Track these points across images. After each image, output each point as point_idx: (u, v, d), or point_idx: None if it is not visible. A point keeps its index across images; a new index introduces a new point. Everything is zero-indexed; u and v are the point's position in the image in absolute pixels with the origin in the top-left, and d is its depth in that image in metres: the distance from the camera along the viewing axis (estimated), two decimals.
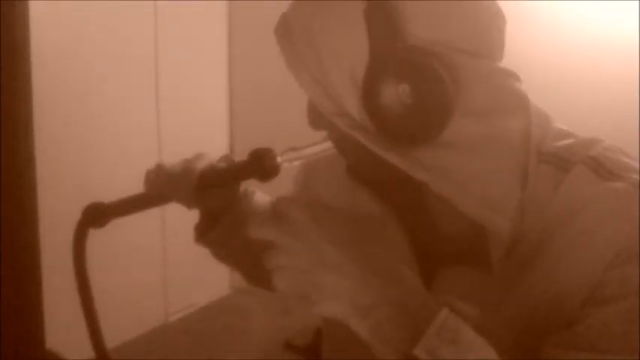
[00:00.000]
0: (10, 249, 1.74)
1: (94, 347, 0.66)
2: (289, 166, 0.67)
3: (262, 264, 0.86)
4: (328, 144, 0.63)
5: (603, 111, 2.40)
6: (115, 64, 2.66)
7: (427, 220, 0.62)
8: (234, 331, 2.92)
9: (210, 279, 3.06)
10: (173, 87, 2.96)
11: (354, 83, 0.53)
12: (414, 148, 0.53)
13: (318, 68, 0.54)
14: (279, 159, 0.66)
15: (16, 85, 1.76)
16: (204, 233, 0.80)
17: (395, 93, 0.51)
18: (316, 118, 0.59)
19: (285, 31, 0.56)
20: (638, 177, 0.54)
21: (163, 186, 0.73)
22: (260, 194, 0.83)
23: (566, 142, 0.58)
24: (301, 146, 0.66)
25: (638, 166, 0.56)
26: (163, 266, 2.99)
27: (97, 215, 0.69)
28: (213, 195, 0.76)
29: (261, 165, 0.66)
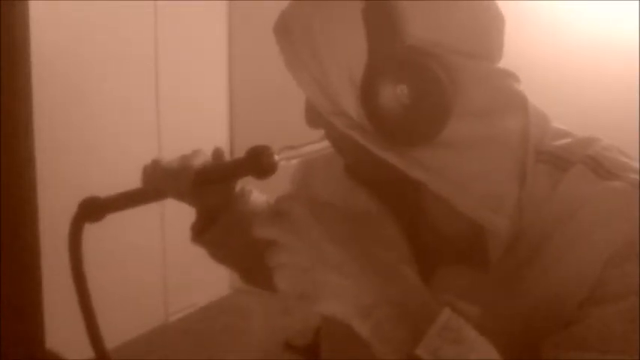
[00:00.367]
0: (10, 249, 1.74)
1: (92, 342, 0.65)
2: (287, 164, 0.67)
3: (260, 264, 0.86)
4: (326, 143, 0.63)
5: (603, 111, 2.40)
6: (115, 64, 2.66)
7: (425, 220, 0.62)
8: (234, 331, 2.92)
9: (210, 279, 3.06)
10: (173, 87, 2.96)
11: (352, 83, 0.53)
12: (411, 148, 0.53)
13: (316, 67, 0.54)
14: (276, 157, 0.66)
15: (16, 85, 1.76)
16: (201, 233, 0.80)
17: (393, 93, 0.51)
18: (314, 116, 0.59)
19: (284, 29, 0.57)
20: (636, 176, 0.54)
21: (160, 181, 0.73)
22: (257, 193, 0.83)
23: (564, 141, 0.58)
24: (299, 144, 0.66)
25: (635, 165, 0.56)
26: (163, 266, 2.99)
27: (92, 210, 0.69)
28: (210, 192, 0.76)
29: (259, 162, 0.66)
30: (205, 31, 3.21)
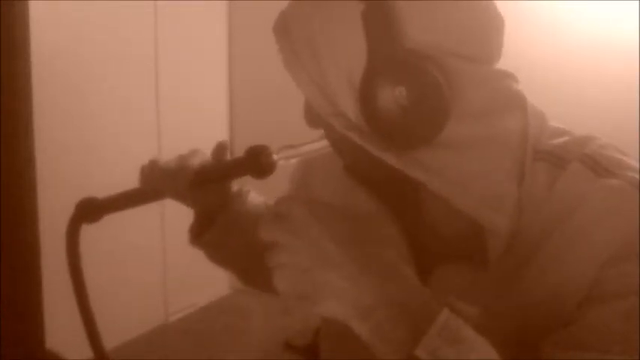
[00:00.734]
0: (10, 249, 1.74)
1: (91, 343, 0.65)
2: (285, 164, 0.67)
3: (258, 264, 0.86)
4: (325, 142, 0.63)
5: (603, 111, 2.40)
6: (115, 64, 2.66)
7: (423, 219, 0.62)
8: (234, 331, 2.92)
9: (210, 279, 3.05)
10: (173, 87, 2.96)
11: (350, 84, 0.53)
12: (410, 150, 0.53)
13: (315, 68, 0.54)
14: (275, 156, 0.66)
15: (16, 85, 1.76)
16: (199, 234, 0.80)
17: (391, 96, 0.51)
18: (313, 117, 0.59)
19: (284, 29, 0.57)
20: (634, 174, 0.54)
21: (158, 182, 0.73)
22: (254, 194, 0.83)
23: (561, 139, 0.59)
24: (298, 144, 0.66)
25: (633, 163, 0.56)
26: (163, 266, 2.99)
27: (90, 210, 0.69)
28: (208, 192, 0.76)
29: (257, 162, 0.66)
30: (205, 31, 3.21)
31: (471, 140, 0.53)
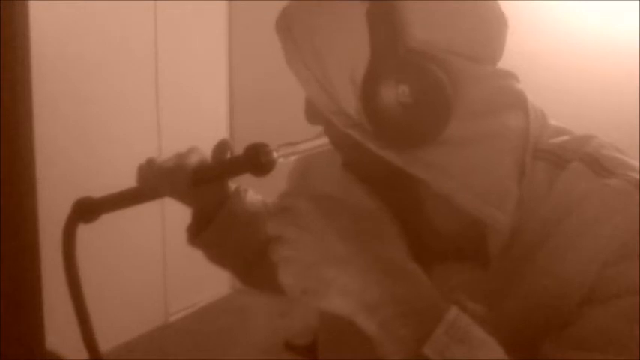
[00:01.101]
0: (10, 249, 1.74)
1: (86, 344, 0.65)
2: (285, 162, 0.67)
3: (256, 263, 0.86)
4: (325, 139, 0.63)
5: (603, 111, 2.40)
6: (115, 64, 2.66)
7: (422, 218, 0.62)
8: (234, 331, 2.92)
9: (210, 279, 3.06)
10: (173, 87, 2.96)
11: (353, 82, 0.53)
12: (412, 148, 0.53)
13: (317, 65, 0.54)
14: (274, 154, 0.66)
15: (16, 85, 1.76)
16: (197, 234, 0.80)
17: (394, 94, 0.50)
18: (314, 113, 0.59)
19: (286, 26, 0.56)
20: (633, 174, 0.54)
21: (156, 180, 0.72)
22: (252, 193, 0.83)
23: (561, 139, 0.59)
24: (297, 141, 0.66)
25: (632, 163, 0.56)
26: (163, 266, 2.99)
27: (86, 210, 0.68)
28: (206, 191, 0.76)
29: (257, 160, 0.66)
30: (205, 31, 3.21)
31: (472, 138, 0.53)
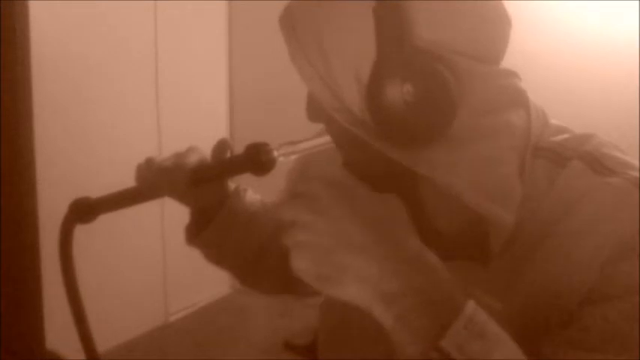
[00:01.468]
0: (10, 249, 1.74)
1: (83, 345, 0.65)
2: (285, 161, 0.66)
3: (256, 263, 0.85)
4: (325, 138, 0.62)
5: (603, 111, 2.40)
6: (115, 64, 2.66)
7: (423, 217, 0.62)
8: (234, 331, 2.92)
9: (210, 279, 3.06)
10: (173, 87, 2.96)
11: (357, 80, 0.52)
12: (416, 146, 0.52)
13: (322, 62, 0.54)
14: (275, 153, 0.66)
15: (16, 85, 1.76)
16: (196, 234, 0.79)
17: (399, 92, 0.50)
18: (316, 111, 0.59)
19: (291, 23, 0.56)
20: (633, 173, 0.54)
21: (155, 179, 0.72)
22: (251, 192, 0.83)
23: (562, 137, 0.59)
24: (298, 140, 0.65)
25: (632, 161, 0.56)
26: (163, 266, 2.99)
27: (84, 211, 0.68)
28: (205, 190, 0.75)
29: (257, 159, 0.65)
30: (205, 31, 3.21)
31: (477, 135, 0.53)
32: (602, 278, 0.50)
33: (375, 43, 0.51)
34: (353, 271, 0.46)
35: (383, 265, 0.46)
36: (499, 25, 0.55)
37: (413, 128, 0.51)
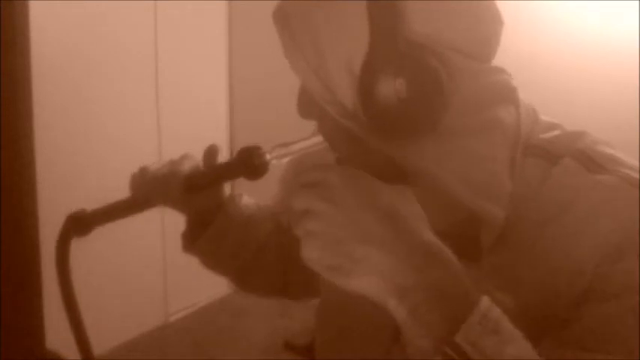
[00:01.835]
0: (10, 249, 1.74)
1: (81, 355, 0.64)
2: (278, 163, 0.66)
3: (254, 269, 0.85)
4: (318, 138, 0.62)
5: (603, 111, 2.40)
6: (115, 64, 2.66)
7: None
8: (235, 331, 2.92)
9: (210, 279, 3.03)
10: (173, 87, 2.96)
11: (350, 73, 0.52)
12: (407, 140, 0.52)
13: (314, 55, 0.53)
14: (268, 156, 0.65)
15: (16, 85, 1.76)
16: (193, 241, 0.79)
17: (392, 85, 0.50)
18: (307, 107, 0.58)
19: (284, 16, 0.56)
20: (626, 170, 0.54)
21: (149, 189, 0.71)
22: (247, 197, 0.82)
23: (553, 134, 0.59)
24: (290, 142, 0.65)
25: (624, 159, 0.56)
26: (163, 266, 2.99)
27: (80, 224, 0.67)
28: (201, 197, 0.75)
29: (250, 163, 0.65)
30: (205, 31, 3.21)
31: (468, 131, 0.53)
32: (599, 277, 0.50)
33: (369, 36, 0.51)
34: (367, 262, 0.45)
35: (399, 258, 0.45)
36: (491, 24, 0.55)
37: (404, 122, 0.50)
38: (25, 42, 1.80)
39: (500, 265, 0.55)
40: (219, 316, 3.10)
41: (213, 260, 0.83)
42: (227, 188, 0.80)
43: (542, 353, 0.51)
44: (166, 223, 2.88)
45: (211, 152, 0.75)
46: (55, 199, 2.23)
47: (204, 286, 3.15)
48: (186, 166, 0.72)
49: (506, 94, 0.57)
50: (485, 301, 0.44)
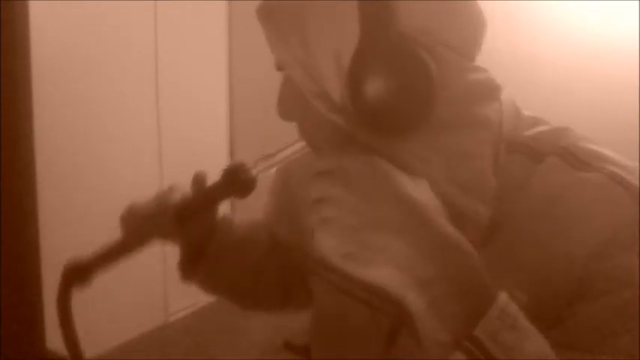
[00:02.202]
0: (10, 249, 1.74)
1: None
2: (265, 175, 0.65)
3: (252, 290, 0.85)
4: (301, 144, 0.61)
5: (603, 111, 2.40)
6: (115, 64, 2.66)
7: None
8: (234, 331, 2.92)
9: None
10: (173, 87, 2.96)
11: (338, 66, 0.51)
12: (395, 135, 0.52)
13: (302, 49, 0.52)
14: (253, 171, 0.64)
15: (16, 85, 1.76)
16: (190, 269, 0.78)
17: (381, 79, 0.49)
18: (288, 106, 0.58)
19: (269, 11, 0.55)
20: (611, 167, 0.53)
21: (141, 226, 0.70)
22: (238, 218, 0.81)
23: (537, 129, 0.59)
24: (273, 152, 0.64)
25: (609, 155, 0.55)
26: (163, 266, 2.99)
27: (77, 275, 0.67)
28: (194, 224, 0.73)
29: (237, 181, 0.64)
30: (205, 31, 3.21)
31: (453, 128, 0.53)
32: (591, 275, 0.50)
33: (359, 28, 0.50)
34: (386, 252, 0.44)
35: (419, 249, 0.44)
36: (478, 25, 0.55)
37: (393, 115, 0.50)
38: (25, 42, 1.80)
39: (488, 263, 0.55)
40: (219, 316, 3.10)
41: (211, 284, 0.81)
42: (227, 209, 0.79)
43: None
44: None
45: (199, 179, 0.73)
46: (55, 199, 2.23)
47: None
48: (175, 197, 0.70)
49: (491, 92, 0.57)
50: (503, 297, 0.44)
